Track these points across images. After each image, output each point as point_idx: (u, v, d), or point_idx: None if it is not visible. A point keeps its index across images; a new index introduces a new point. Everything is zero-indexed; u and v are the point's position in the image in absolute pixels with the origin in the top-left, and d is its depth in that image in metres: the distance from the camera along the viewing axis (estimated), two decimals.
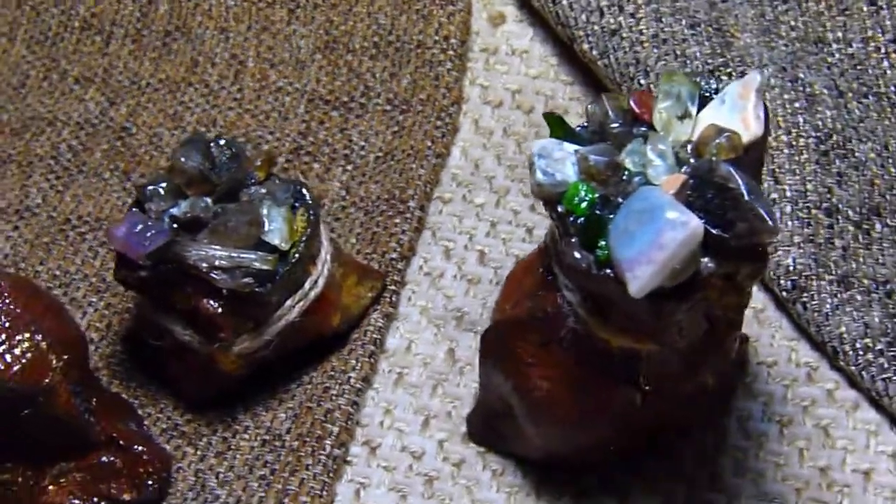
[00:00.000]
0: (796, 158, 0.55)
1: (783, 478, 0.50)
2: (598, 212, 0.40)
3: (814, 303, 0.53)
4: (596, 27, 0.59)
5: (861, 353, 0.51)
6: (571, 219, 0.40)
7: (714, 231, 0.38)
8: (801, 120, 0.56)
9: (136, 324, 0.55)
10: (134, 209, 0.51)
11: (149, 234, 0.50)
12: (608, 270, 0.39)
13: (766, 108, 0.41)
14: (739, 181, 0.38)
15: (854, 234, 0.54)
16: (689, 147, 0.41)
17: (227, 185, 0.52)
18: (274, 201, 0.51)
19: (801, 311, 0.53)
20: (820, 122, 0.56)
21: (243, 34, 0.67)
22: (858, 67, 0.59)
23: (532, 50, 0.64)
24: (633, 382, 0.43)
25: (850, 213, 0.55)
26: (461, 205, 0.59)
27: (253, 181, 0.52)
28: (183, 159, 0.51)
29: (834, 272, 0.53)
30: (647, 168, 0.40)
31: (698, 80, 0.42)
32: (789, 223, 0.54)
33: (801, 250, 0.53)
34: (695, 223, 0.38)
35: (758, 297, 0.55)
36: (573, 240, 0.40)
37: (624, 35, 0.59)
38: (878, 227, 0.55)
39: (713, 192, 0.39)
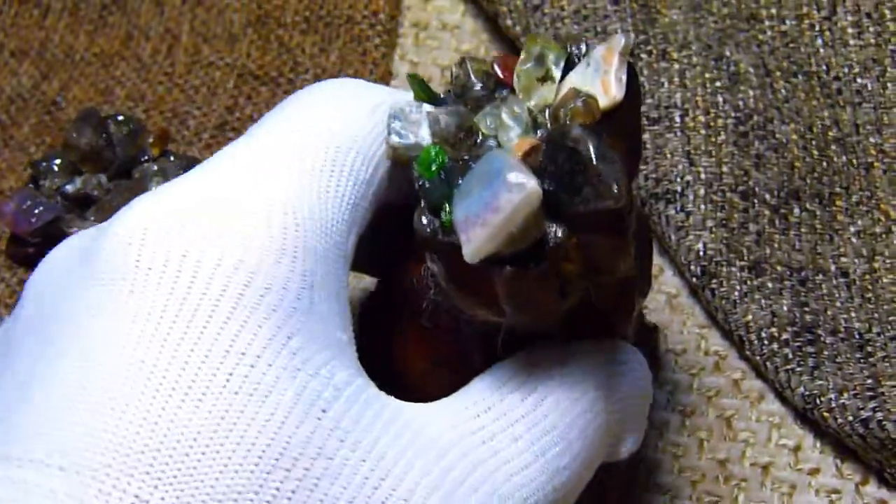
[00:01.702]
0: (713, 139, 0.53)
1: (680, 469, 0.49)
2: (443, 175, 0.38)
3: (723, 289, 0.51)
4: (519, 2, 0.58)
5: (766, 342, 0.50)
6: (421, 182, 0.38)
7: (561, 196, 0.36)
8: (720, 99, 0.54)
9: None
10: (29, 185, 0.51)
11: (36, 211, 0.49)
12: (452, 236, 0.37)
13: (632, 72, 0.39)
14: (590, 145, 0.36)
15: (770, 218, 0.52)
16: (547, 111, 0.39)
17: (123, 163, 0.51)
18: (164, 178, 0.50)
19: (709, 297, 0.51)
20: (741, 102, 0.54)
21: (178, 8, 0.66)
22: (790, 45, 0.57)
23: (463, 25, 0.62)
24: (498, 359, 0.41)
25: (768, 196, 0.53)
26: None
27: (147, 158, 0.51)
28: (76, 136, 0.50)
29: (746, 258, 0.51)
30: (500, 131, 0.39)
31: (568, 44, 0.40)
32: (702, 206, 0.52)
33: (713, 235, 0.51)
34: (532, 185, 0.35)
35: (672, 283, 0.54)
36: (421, 204, 0.38)
37: (545, 10, 0.57)
38: (796, 211, 0.53)
39: (565, 157, 0.36)
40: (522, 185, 0.35)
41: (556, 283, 0.38)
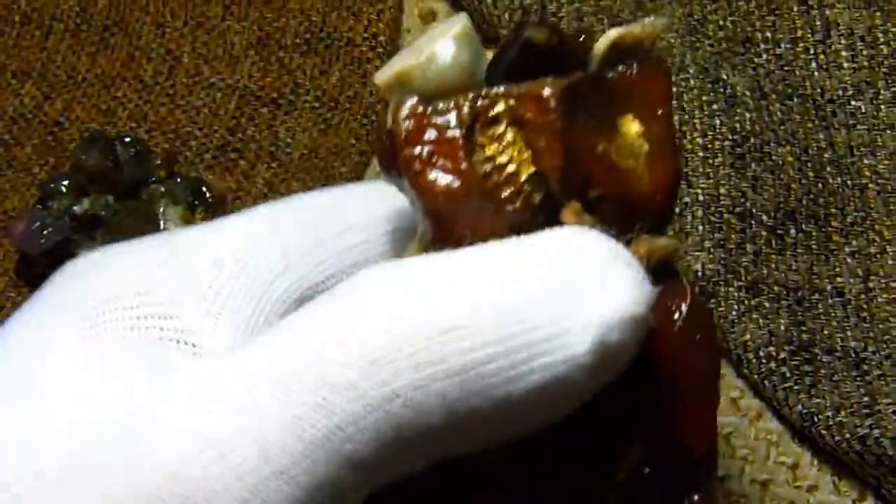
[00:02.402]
0: (710, 161, 0.54)
1: None
2: None
3: (720, 309, 0.52)
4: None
5: (764, 361, 0.50)
6: None
7: None
8: (718, 122, 0.55)
9: None
10: (37, 206, 0.52)
11: (45, 232, 0.50)
12: None
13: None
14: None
15: (767, 238, 0.53)
16: None
17: (130, 183, 0.52)
18: (172, 199, 0.51)
19: None
20: (738, 125, 0.55)
21: (179, 30, 0.66)
22: (785, 68, 0.58)
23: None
24: None
25: (764, 217, 0.54)
26: None
27: (154, 179, 0.52)
28: (83, 157, 0.51)
29: (743, 278, 0.52)
30: None
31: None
32: (700, 227, 0.53)
33: (711, 255, 0.52)
34: (462, 18, 0.33)
35: None
36: None
37: None
38: (792, 232, 0.54)
39: None
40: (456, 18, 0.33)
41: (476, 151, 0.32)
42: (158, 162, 0.52)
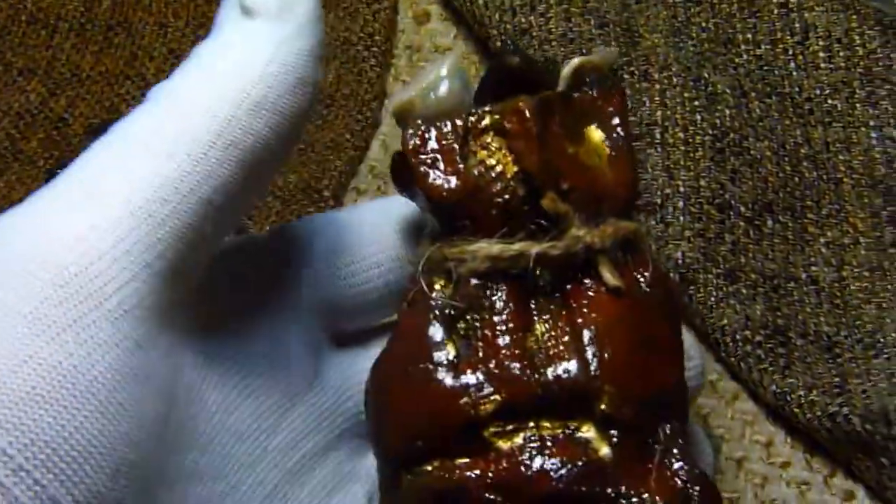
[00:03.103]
0: (691, 155, 0.56)
1: None
2: None
3: (700, 295, 0.54)
4: (508, 26, 0.61)
5: (741, 344, 0.53)
6: None
7: None
8: (698, 118, 0.57)
9: None
10: None
11: None
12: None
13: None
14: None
15: (745, 229, 0.55)
16: None
17: None
18: None
19: (687, 302, 0.54)
20: (718, 121, 0.58)
21: (181, 29, 0.69)
22: (765, 68, 0.61)
23: (455, 48, 0.66)
24: None
25: (743, 208, 0.56)
26: (375, 196, 0.61)
27: None
28: None
29: (722, 266, 0.54)
30: None
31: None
32: (681, 218, 0.55)
33: (691, 244, 0.55)
34: (455, 53, 0.40)
35: None
36: None
37: (534, 34, 0.60)
38: (769, 223, 0.56)
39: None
40: (447, 55, 0.40)
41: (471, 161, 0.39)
42: None
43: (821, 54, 0.61)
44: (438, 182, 0.38)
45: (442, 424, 0.37)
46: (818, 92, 0.60)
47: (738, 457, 0.52)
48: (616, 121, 0.40)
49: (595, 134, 0.40)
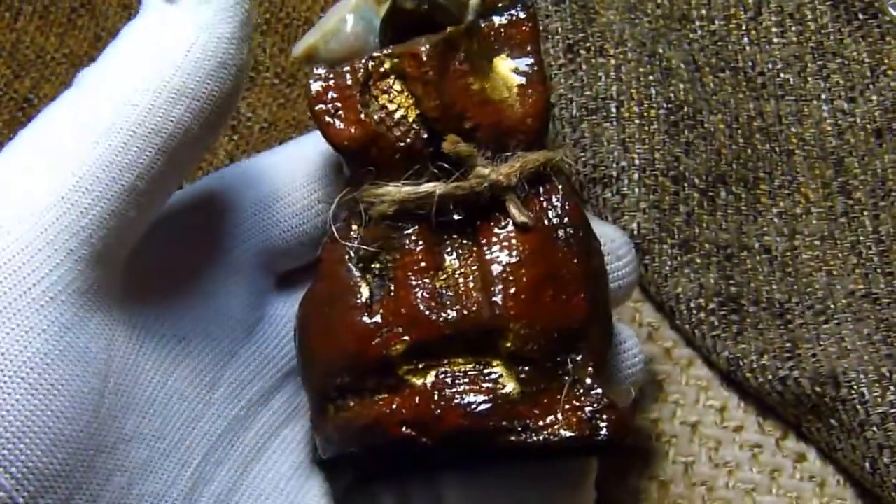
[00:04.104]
0: (646, 129, 0.58)
1: None
2: None
3: (655, 265, 0.55)
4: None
5: (694, 312, 0.54)
6: None
7: None
8: (653, 92, 0.59)
9: None
10: None
11: None
12: None
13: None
14: None
15: (699, 200, 0.57)
16: None
17: None
18: None
19: (643, 273, 0.55)
20: (672, 95, 0.59)
21: None
22: (719, 43, 0.62)
23: None
24: None
25: (697, 180, 0.57)
26: None
27: None
28: None
29: (676, 237, 0.55)
30: None
31: None
32: (636, 190, 0.56)
33: (646, 215, 0.56)
34: None
35: None
36: None
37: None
38: (723, 194, 0.57)
39: None
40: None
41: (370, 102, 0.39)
42: None
43: (773, 29, 0.62)
44: (340, 129, 0.38)
45: (358, 364, 0.39)
46: (771, 66, 0.61)
47: (692, 421, 0.53)
48: (528, 48, 0.40)
49: (503, 64, 0.40)
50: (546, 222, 0.39)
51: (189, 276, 0.40)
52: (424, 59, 0.38)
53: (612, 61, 0.59)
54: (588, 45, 0.60)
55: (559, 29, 0.60)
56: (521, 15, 0.40)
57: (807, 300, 0.54)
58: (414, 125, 0.38)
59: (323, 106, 0.39)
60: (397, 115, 0.38)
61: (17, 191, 0.34)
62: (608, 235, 0.44)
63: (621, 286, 0.45)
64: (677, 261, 0.55)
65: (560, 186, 0.40)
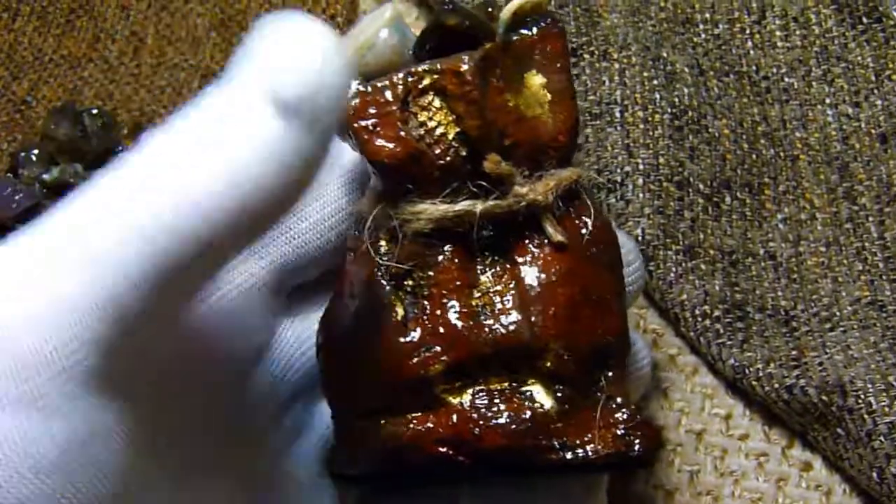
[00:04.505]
0: (651, 133, 0.57)
1: None
2: None
3: (659, 271, 0.55)
4: (466, 5, 0.61)
5: (700, 319, 0.53)
6: None
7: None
8: (657, 97, 0.58)
9: None
10: (9, 174, 0.54)
11: (17, 198, 0.53)
12: None
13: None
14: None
15: (704, 206, 0.56)
16: None
17: (97, 153, 0.54)
18: None
19: (647, 279, 0.55)
20: (677, 99, 0.58)
21: (143, 12, 0.69)
22: (723, 47, 0.61)
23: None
24: None
25: (701, 186, 0.57)
26: None
27: (121, 148, 0.55)
28: (53, 127, 0.53)
29: (681, 242, 0.55)
30: None
31: None
32: (640, 195, 0.56)
33: (651, 221, 0.55)
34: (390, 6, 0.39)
35: None
36: None
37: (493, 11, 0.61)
38: (727, 199, 0.57)
39: None
40: (384, 7, 0.39)
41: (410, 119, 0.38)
42: (125, 132, 0.54)
43: (777, 33, 0.62)
44: (380, 147, 0.37)
45: (394, 382, 0.38)
46: (775, 70, 0.61)
47: (697, 429, 0.53)
48: (558, 64, 0.39)
49: (534, 80, 0.40)
50: (580, 240, 0.39)
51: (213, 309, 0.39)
52: (468, 77, 0.37)
53: (616, 65, 0.59)
54: (592, 48, 0.59)
55: None
56: (553, 29, 0.40)
57: (812, 307, 0.54)
58: (454, 143, 0.37)
59: (363, 122, 0.37)
60: (438, 132, 0.37)
61: (51, 275, 0.31)
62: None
63: (630, 292, 0.44)
64: (682, 267, 0.55)
65: (590, 203, 0.40)
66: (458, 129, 0.37)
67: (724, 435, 0.52)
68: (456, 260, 0.38)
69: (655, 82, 0.59)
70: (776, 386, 0.51)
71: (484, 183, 0.38)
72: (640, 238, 0.55)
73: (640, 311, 0.56)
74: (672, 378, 0.54)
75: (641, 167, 0.56)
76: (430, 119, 0.38)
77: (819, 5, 0.62)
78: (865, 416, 0.49)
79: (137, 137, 0.55)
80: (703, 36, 0.62)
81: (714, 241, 0.55)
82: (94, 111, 0.54)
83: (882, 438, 0.48)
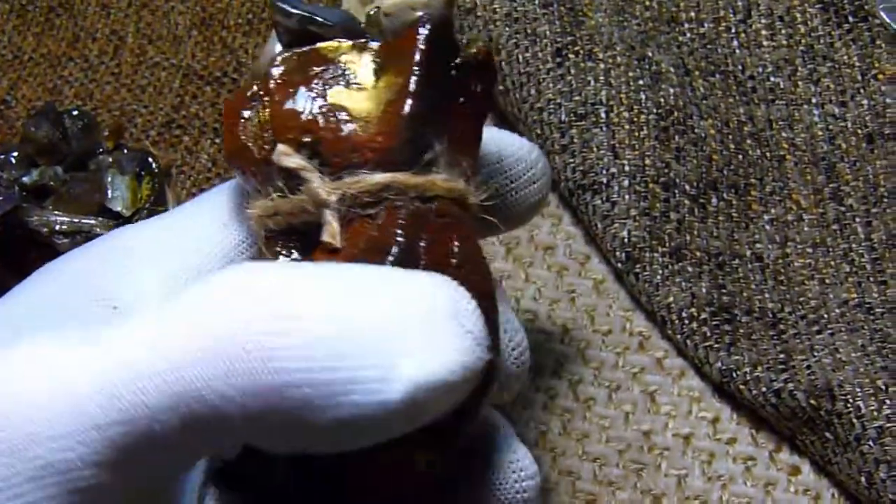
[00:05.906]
0: (636, 134, 0.57)
1: (608, 439, 0.52)
2: None
3: (646, 274, 0.54)
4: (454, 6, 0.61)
5: (686, 322, 0.53)
6: None
7: None
8: (643, 97, 0.58)
9: None
10: None
11: None
12: None
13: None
14: None
15: (690, 207, 0.56)
16: None
17: (78, 155, 0.53)
18: (119, 170, 0.53)
19: (634, 281, 0.55)
20: (662, 100, 0.58)
21: (123, 10, 0.68)
22: (708, 46, 0.61)
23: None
24: None
25: (687, 187, 0.56)
26: None
27: (102, 150, 0.54)
28: (33, 129, 0.53)
29: (667, 244, 0.55)
30: None
31: None
32: (626, 197, 0.55)
33: (637, 223, 0.55)
34: None
35: (598, 269, 0.57)
36: None
37: (478, 14, 0.60)
38: (714, 201, 0.57)
39: None
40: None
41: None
42: (106, 133, 0.54)
43: (763, 32, 0.62)
44: (225, 143, 0.39)
45: None
46: (761, 70, 0.61)
47: (684, 433, 0.52)
48: (405, 65, 0.38)
49: (390, 80, 0.38)
50: (355, 249, 0.36)
51: None
52: (270, 79, 0.38)
53: (601, 65, 0.59)
54: (577, 48, 0.59)
55: (547, 32, 0.59)
56: (417, 30, 0.38)
57: (800, 309, 0.53)
58: (264, 140, 0.38)
59: (230, 119, 0.39)
60: (254, 130, 0.38)
61: (61, 366, 0.31)
62: (511, 143, 0.44)
63: (518, 372, 0.42)
64: (668, 269, 0.54)
65: (399, 217, 0.36)
66: (269, 128, 0.38)
67: (711, 439, 0.52)
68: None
69: (641, 82, 0.58)
70: (764, 390, 0.51)
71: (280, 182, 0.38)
72: (625, 240, 0.55)
73: (627, 314, 0.56)
74: (659, 381, 0.54)
75: (627, 168, 0.56)
76: (255, 117, 0.38)
77: (805, 4, 0.62)
78: (854, 421, 0.49)
79: (118, 139, 0.54)
80: (689, 35, 0.62)
81: (700, 243, 0.55)
82: (75, 112, 0.53)
83: (871, 443, 0.48)
